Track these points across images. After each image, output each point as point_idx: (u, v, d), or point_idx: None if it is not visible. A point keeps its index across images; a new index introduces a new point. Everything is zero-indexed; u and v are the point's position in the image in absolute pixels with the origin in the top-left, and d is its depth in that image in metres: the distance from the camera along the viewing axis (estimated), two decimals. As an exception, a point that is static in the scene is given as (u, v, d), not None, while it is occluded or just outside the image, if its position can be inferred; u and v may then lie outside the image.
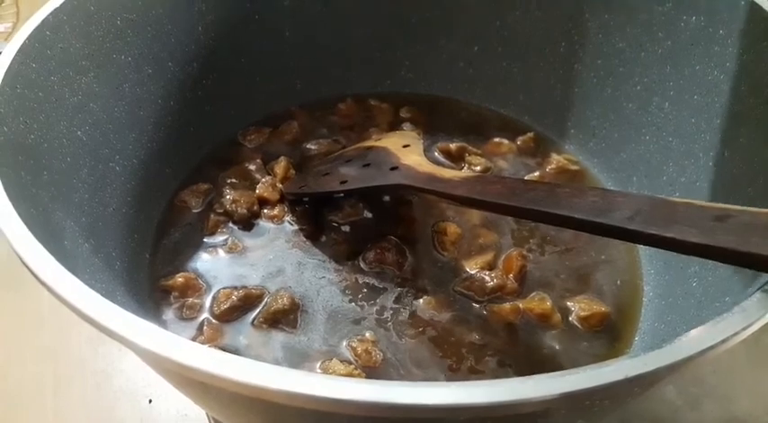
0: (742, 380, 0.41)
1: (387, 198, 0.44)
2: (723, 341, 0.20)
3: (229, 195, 0.43)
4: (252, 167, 0.46)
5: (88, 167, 0.35)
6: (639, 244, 0.38)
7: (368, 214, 0.43)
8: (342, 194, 0.43)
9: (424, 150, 0.43)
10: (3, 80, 0.29)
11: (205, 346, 0.20)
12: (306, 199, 0.44)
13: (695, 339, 0.20)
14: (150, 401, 0.41)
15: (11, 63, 0.30)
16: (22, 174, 0.28)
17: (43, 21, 0.33)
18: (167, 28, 0.42)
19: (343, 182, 0.41)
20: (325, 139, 0.49)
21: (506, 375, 0.34)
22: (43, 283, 0.22)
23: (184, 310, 0.38)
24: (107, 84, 0.38)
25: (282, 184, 0.45)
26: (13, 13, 0.71)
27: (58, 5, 0.34)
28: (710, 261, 0.34)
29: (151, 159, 0.42)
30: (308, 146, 0.48)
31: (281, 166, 0.45)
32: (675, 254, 0.38)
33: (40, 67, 0.32)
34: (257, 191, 0.43)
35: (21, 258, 0.23)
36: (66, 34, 0.34)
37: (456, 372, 0.35)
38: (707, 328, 0.21)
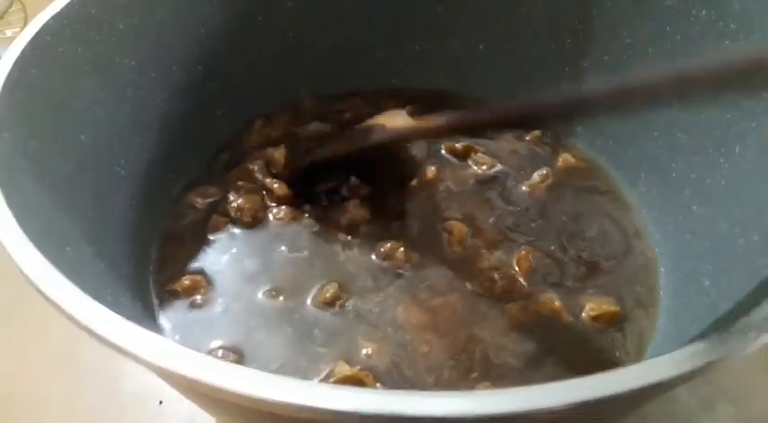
0: (756, 380, 0.40)
1: (395, 199, 0.44)
2: (743, 347, 0.19)
3: (235, 202, 0.42)
4: (255, 168, 0.45)
5: (92, 172, 0.35)
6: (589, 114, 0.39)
7: (375, 214, 0.43)
8: (340, 178, 0.44)
9: (431, 147, 0.45)
10: (3, 86, 0.29)
11: (211, 358, 0.19)
12: (314, 200, 0.44)
13: (716, 344, 0.19)
14: (161, 403, 0.40)
15: (11, 69, 0.30)
16: (23, 180, 0.28)
17: (44, 25, 0.33)
18: (170, 31, 0.42)
19: (336, 151, 0.43)
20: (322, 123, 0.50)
21: (517, 379, 0.34)
22: (44, 295, 0.22)
23: (192, 310, 0.37)
24: (110, 88, 0.37)
25: (284, 170, 0.45)
26: (21, 18, 0.71)
27: (58, 10, 0.33)
28: (723, 260, 0.34)
29: (156, 163, 0.42)
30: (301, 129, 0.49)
31: (280, 152, 0.46)
32: (687, 252, 0.38)
33: (41, 73, 0.32)
34: (266, 182, 0.44)
35: (20, 269, 0.23)
36: (68, 39, 0.34)
37: (466, 375, 0.34)
38: (728, 331, 0.20)
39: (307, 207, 0.43)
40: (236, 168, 0.46)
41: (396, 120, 0.42)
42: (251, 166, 0.45)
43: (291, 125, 0.49)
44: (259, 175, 0.45)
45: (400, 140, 0.42)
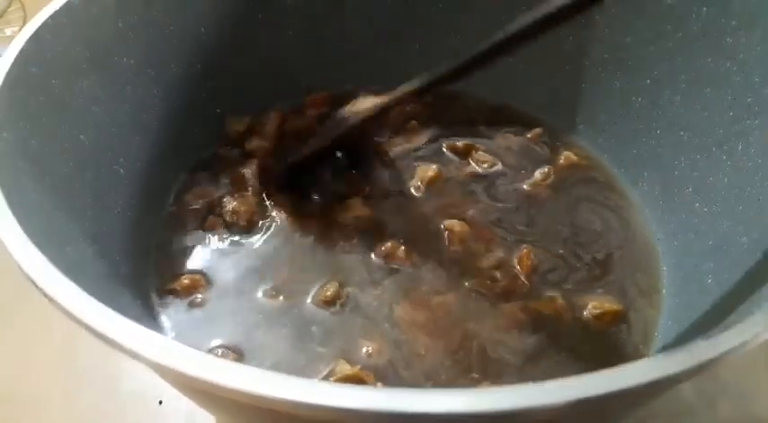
0: (759, 378, 0.40)
1: (396, 197, 0.44)
2: (745, 343, 0.19)
3: (229, 205, 0.42)
4: (249, 171, 0.45)
5: (91, 171, 0.35)
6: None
7: (376, 213, 0.43)
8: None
9: (430, 143, 0.46)
10: (2, 84, 0.29)
11: (210, 355, 0.19)
12: (314, 198, 0.44)
13: (717, 341, 0.19)
14: (161, 402, 0.40)
15: (10, 67, 0.30)
16: (23, 180, 0.28)
17: (43, 24, 0.33)
18: (169, 29, 0.42)
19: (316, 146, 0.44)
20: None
21: (517, 376, 0.34)
22: (44, 293, 0.22)
23: (192, 309, 0.37)
24: (109, 87, 0.37)
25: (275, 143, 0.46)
26: (20, 17, 0.71)
27: (57, 8, 0.33)
28: (725, 258, 0.34)
29: (155, 162, 0.42)
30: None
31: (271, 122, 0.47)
32: (689, 250, 0.38)
33: (40, 71, 0.32)
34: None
35: (21, 268, 0.23)
36: (67, 37, 0.34)
37: (465, 374, 0.34)
38: (730, 328, 0.20)
39: (307, 205, 0.43)
40: (234, 170, 0.45)
41: (365, 103, 0.43)
42: (245, 170, 0.45)
43: (282, 123, 0.49)
44: (253, 178, 0.44)
45: (373, 118, 0.43)
